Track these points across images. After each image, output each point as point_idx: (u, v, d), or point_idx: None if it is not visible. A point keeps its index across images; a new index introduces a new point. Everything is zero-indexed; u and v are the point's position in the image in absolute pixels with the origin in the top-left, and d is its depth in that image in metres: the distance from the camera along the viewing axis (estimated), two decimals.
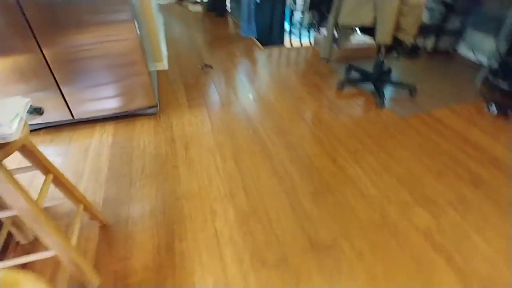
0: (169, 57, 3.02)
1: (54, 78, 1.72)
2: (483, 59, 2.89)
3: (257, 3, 3.20)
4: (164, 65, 2.77)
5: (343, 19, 2.09)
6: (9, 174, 0.73)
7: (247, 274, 1.16)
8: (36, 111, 1.79)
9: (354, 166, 1.70)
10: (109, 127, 1.98)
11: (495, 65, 2.51)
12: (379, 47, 2.27)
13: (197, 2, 4.70)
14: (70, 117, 1.90)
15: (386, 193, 1.52)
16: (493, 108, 2.21)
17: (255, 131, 1.96)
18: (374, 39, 2.07)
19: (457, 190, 1.56)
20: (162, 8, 4.64)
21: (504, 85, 2.41)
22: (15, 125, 0.73)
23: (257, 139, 1.89)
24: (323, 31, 3.31)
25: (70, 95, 1.81)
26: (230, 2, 4.32)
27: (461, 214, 1.42)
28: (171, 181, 1.57)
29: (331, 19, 2.24)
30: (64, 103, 1.83)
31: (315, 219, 1.38)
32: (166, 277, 1.15)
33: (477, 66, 2.88)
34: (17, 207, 0.76)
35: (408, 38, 1.95)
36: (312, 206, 1.45)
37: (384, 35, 1.96)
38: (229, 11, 4.38)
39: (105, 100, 1.89)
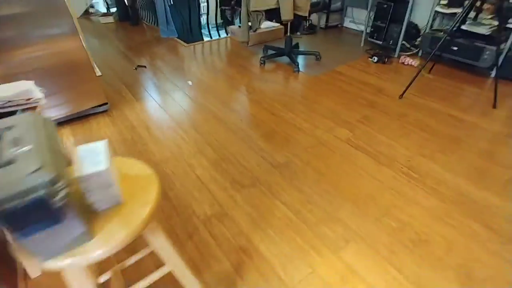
0: (98, 65, 3.11)
1: None
2: (362, 27, 3.72)
3: (170, 4, 3.49)
4: (97, 71, 2.87)
5: (253, 6, 2.56)
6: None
7: (233, 196, 1.51)
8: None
9: (288, 113, 2.17)
10: (66, 130, 2.09)
11: (369, 29, 3.30)
12: (285, 26, 2.82)
13: (107, 14, 4.73)
14: None
15: (315, 124, 2.03)
16: (374, 58, 2.96)
17: (202, 106, 2.30)
18: (280, 19, 2.59)
19: (361, 112, 2.15)
20: None
21: (378, 41, 3.20)
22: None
23: (206, 111, 2.23)
24: (232, 26, 3.78)
25: None
26: (142, 10, 4.49)
27: (367, 125, 2.01)
28: (146, 156, 1.81)
29: (243, 8, 2.70)
30: None
31: (269, 151, 1.80)
32: (171, 216, 1.43)
33: (359, 33, 3.70)
34: (172, 264, 0.80)
35: (304, 13, 2.52)
36: (265, 143, 1.86)
37: (287, 13, 2.49)
38: (143, 18, 4.54)
39: (58, 106, 2.00)
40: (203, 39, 3.74)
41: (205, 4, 3.94)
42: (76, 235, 0.54)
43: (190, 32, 3.72)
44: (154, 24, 4.28)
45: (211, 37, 3.77)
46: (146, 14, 4.44)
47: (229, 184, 1.58)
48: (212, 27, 4.02)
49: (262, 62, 2.97)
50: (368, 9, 3.31)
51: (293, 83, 2.61)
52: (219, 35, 3.83)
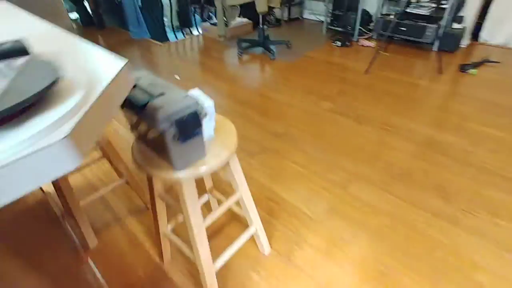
0: None
1: None
2: (320, 18, 4.11)
3: (141, 5, 3.59)
4: None
5: (230, 1, 2.79)
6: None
7: (248, 162, 1.74)
8: None
9: (275, 93, 2.44)
10: None
11: (329, 19, 3.69)
12: (256, 20, 3.08)
13: None
14: None
15: (301, 100, 2.33)
16: (337, 43, 3.35)
17: None
18: (251, 15, 2.85)
19: (336, 87, 2.50)
20: None
21: (338, 28, 3.61)
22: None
23: None
24: (204, 23, 3.97)
25: None
26: (105, 13, 4.47)
27: (343, 97, 2.35)
28: None
29: (219, 4, 2.91)
30: None
31: (268, 124, 2.06)
32: None
33: (319, 23, 4.09)
34: (243, 189, 1.01)
35: (276, 5, 2.81)
36: (262, 119, 2.12)
37: (262, 6, 2.76)
38: (108, 21, 4.52)
39: None
40: (176, 38, 3.87)
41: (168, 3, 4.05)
42: (200, 151, 0.75)
43: (163, 30, 3.84)
44: (121, 26, 4.30)
45: (184, 36, 3.91)
46: (111, 17, 4.44)
47: (241, 154, 1.81)
48: (176, 29, 4.15)
49: (240, 53, 3.21)
50: (326, 0, 3.70)
51: (273, 69, 2.89)
52: (191, 32, 3.98)
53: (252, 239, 1.26)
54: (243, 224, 1.37)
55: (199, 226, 0.86)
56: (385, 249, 1.24)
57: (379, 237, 1.29)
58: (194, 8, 3.94)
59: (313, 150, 1.80)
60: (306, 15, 4.39)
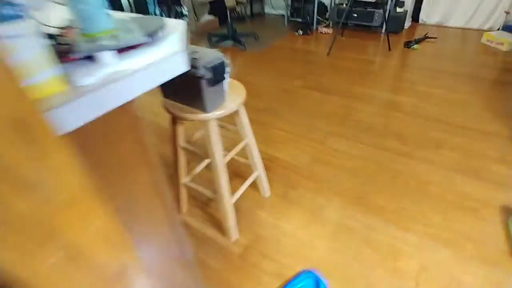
0: None
1: None
2: (280, 11, 4.45)
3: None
4: None
5: None
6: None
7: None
8: None
9: (252, 78, 2.71)
10: None
11: (289, 11, 4.04)
12: (224, 15, 3.33)
13: None
14: None
15: (276, 80, 2.62)
16: (299, 32, 3.69)
17: None
18: (216, 12, 3.09)
19: (304, 68, 2.82)
20: None
21: (298, 19, 3.96)
22: None
23: None
24: None
25: None
26: None
27: (311, 75, 2.68)
28: None
29: (189, 1, 3.12)
30: None
31: (251, 103, 2.32)
32: None
33: (279, 16, 4.42)
34: (249, 137, 1.28)
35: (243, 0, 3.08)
36: (254, 101, 2.37)
37: (231, 1, 3.01)
38: None
39: None
40: None
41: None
42: (222, 97, 1.00)
43: None
44: None
45: None
46: None
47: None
48: None
49: (211, 48, 3.44)
50: None
51: (245, 58, 3.15)
52: None
53: (255, 188, 1.52)
54: (246, 177, 1.62)
55: (221, 161, 1.11)
56: (360, 182, 1.56)
57: (355, 174, 1.60)
58: (161, 8, 4.09)
59: (293, 118, 2.09)
60: (268, 10, 4.71)
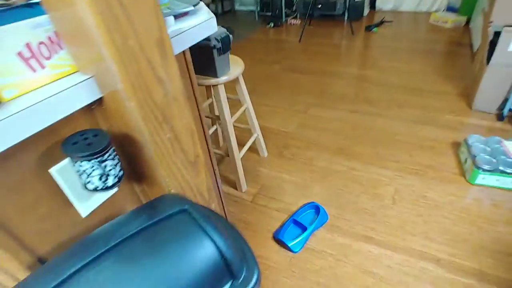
0: None
1: None
2: (250, 7, 4.73)
3: None
4: None
5: None
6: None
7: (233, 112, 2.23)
8: None
9: None
10: None
11: (259, 7, 4.32)
12: None
13: None
14: None
15: (256, 67, 2.88)
16: (270, 24, 3.99)
17: None
18: None
19: (280, 54, 3.11)
20: None
21: (268, 13, 4.25)
22: None
23: None
24: None
25: None
26: None
27: (287, 59, 2.97)
28: None
29: None
30: None
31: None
32: None
33: (249, 12, 4.70)
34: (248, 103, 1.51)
35: None
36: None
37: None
38: None
39: None
40: None
41: None
42: (228, 66, 1.25)
43: None
44: None
45: None
46: None
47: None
48: None
49: None
50: None
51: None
52: None
53: (254, 151, 1.77)
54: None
55: (229, 120, 1.35)
56: (341, 138, 1.85)
57: (336, 133, 1.90)
58: None
59: (277, 96, 2.37)
60: (238, 7, 4.97)
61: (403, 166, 1.60)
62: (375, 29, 3.50)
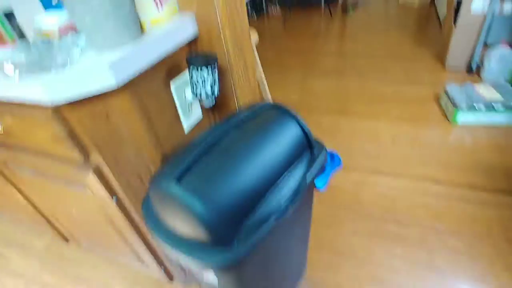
0: None
1: None
2: None
3: None
4: None
5: None
6: None
7: None
8: None
9: None
10: None
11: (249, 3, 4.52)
12: None
13: None
14: None
15: (265, 48, 3.08)
16: (253, 17, 4.20)
17: None
18: None
19: (269, 41, 3.33)
20: None
21: (252, 11, 4.48)
22: None
23: None
24: None
25: None
26: None
27: (275, 44, 3.19)
28: None
29: None
30: None
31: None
32: None
33: None
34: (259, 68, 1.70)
35: None
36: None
37: None
38: None
39: None
40: None
41: None
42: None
43: None
44: None
45: None
46: None
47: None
48: None
49: None
50: None
51: None
52: None
53: None
54: None
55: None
56: (338, 101, 2.09)
57: (333, 97, 2.14)
58: None
59: (275, 75, 2.58)
60: None
61: (395, 117, 1.86)
62: (351, 11, 3.79)
